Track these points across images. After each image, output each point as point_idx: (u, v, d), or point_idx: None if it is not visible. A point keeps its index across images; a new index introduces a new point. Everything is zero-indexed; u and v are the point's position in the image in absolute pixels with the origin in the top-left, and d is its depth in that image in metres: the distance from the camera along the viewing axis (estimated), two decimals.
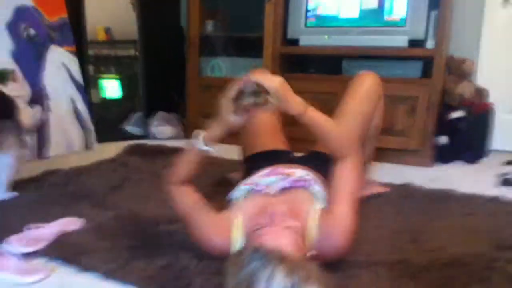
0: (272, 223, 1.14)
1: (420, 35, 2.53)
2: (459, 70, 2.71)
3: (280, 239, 1.08)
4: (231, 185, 1.53)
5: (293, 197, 1.31)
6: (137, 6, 3.34)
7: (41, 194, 1.92)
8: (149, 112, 3.39)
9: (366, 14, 2.67)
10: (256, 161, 1.65)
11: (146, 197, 1.92)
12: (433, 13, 2.53)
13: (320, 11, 2.80)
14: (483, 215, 1.78)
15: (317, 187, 1.36)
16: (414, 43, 2.55)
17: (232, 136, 1.44)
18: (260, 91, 1.24)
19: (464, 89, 2.68)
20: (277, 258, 0.90)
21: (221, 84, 3.08)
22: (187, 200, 1.37)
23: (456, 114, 2.65)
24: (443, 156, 2.63)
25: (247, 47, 3.12)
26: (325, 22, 2.80)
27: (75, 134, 2.77)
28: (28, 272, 1.26)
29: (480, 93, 2.73)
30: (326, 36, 2.75)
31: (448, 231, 1.62)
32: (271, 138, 1.82)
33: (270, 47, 2.95)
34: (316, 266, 0.95)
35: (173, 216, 1.69)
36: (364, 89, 1.72)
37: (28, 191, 1.94)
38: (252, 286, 0.86)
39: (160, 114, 3.38)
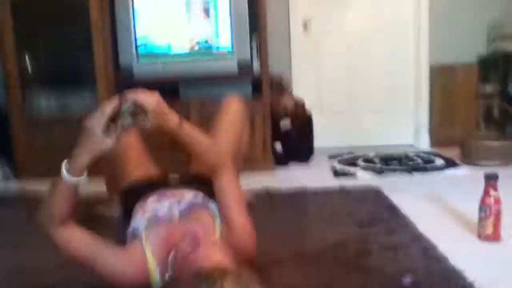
0: (198, 245, 1.19)
1: (246, 60, 2.90)
2: (280, 86, 3.18)
3: (212, 257, 1.16)
4: (101, 219, 1.50)
5: (197, 217, 1.39)
6: None
7: None
8: None
9: (196, 50, 2.95)
10: (136, 191, 1.63)
11: (27, 248, 1.75)
12: (255, 41, 2.94)
13: (151, 41, 2.93)
14: (337, 203, 2.18)
15: (212, 205, 1.46)
16: (243, 67, 2.89)
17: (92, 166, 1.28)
18: (137, 111, 1.21)
19: (286, 102, 3.15)
20: (220, 274, 1.02)
21: (49, 119, 2.92)
22: (83, 242, 1.29)
23: (284, 123, 3.10)
24: (281, 159, 3.04)
25: (78, 79, 3.02)
26: (157, 50, 2.94)
27: None
28: None
29: (299, 102, 3.24)
30: (159, 64, 2.89)
31: (316, 221, 1.96)
32: (142, 165, 1.82)
33: (104, 76, 2.93)
34: (248, 270, 1.11)
35: (64, 261, 1.61)
36: (232, 111, 1.93)
37: None
38: None
39: None
